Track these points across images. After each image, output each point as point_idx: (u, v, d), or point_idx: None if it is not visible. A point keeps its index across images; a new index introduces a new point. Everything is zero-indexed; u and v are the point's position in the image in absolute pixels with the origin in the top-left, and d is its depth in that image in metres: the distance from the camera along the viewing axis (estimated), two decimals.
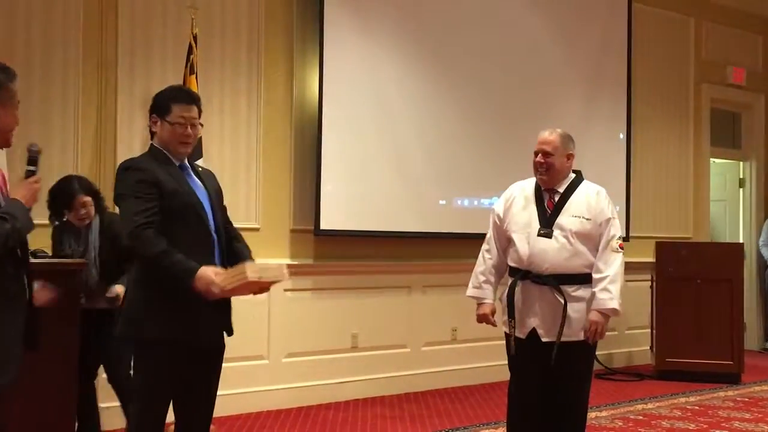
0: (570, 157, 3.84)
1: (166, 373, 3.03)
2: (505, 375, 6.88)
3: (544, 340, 3.72)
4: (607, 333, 7.76)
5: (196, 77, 5.09)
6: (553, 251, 3.69)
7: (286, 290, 5.87)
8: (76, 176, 4.55)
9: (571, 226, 3.70)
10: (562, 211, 3.74)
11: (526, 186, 3.95)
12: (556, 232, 3.70)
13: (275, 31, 5.93)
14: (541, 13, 7.31)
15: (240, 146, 5.72)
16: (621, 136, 7.94)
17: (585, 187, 3.85)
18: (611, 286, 3.62)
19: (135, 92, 5.27)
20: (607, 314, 3.65)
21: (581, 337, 3.68)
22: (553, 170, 3.78)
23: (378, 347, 6.13)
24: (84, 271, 4.28)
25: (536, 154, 3.84)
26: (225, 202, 3.40)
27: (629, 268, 7.76)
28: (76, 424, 4.31)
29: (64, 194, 4.38)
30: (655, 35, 8.43)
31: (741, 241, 9.09)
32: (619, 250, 3.67)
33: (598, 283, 3.65)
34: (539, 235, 3.72)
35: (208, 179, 3.32)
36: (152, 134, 3.25)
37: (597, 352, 7.47)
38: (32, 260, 4.04)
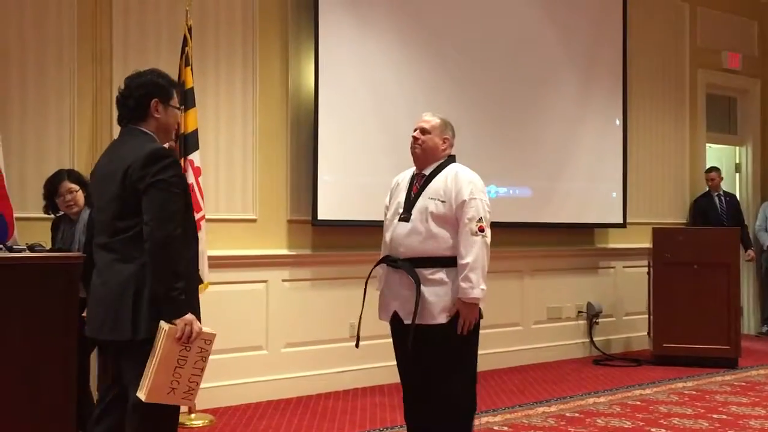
0: (446, 141, 3.83)
1: None
2: (504, 362, 6.96)
3: (405, 322, 3.68)
4: (604, 319, 7.90)
5: (191, 69, 5.09)
6: (407, 234, 3.67)
7: (284, 281, 5.89)
8: (67, 169, 4.65)
9: (426, 208, 3.65)
10: (424, 191, 3.71)
11: (407, 174, 3.93)
12: (413, 215, 3.67)
13: (270, 22, 5.92)
14: (536, 0, 7.30)
15: (236, 137, 5.72)
16: (617, 122, 7.95)
17: (449, 169, 3.77)
18: (471, 274, 3.53)
19: None
20: (470, 303, 3.58)
21: (441, 320, 3.60)
22: (426, 147, 3.78)
23: (377, 336, 6.10)
24: None
25: (414, 130, 3.84)
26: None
27: (627, 254, 7.96)
28: None
29: (50, 183, 4.54)
30: (650, 21, 8.43)
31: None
32: (479, 233, 3.56)
33: (460, 271, 3.57)
34: (399, 219, 3.72)
35: None
36: (139, 119, 3.13)
37: (595, 338, 7.64)
38: (30, 254, 4.09)
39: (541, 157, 7.35)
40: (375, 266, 3.91)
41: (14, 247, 4.22)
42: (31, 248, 4.23)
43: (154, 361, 2.91)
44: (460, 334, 3.61)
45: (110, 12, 5.21)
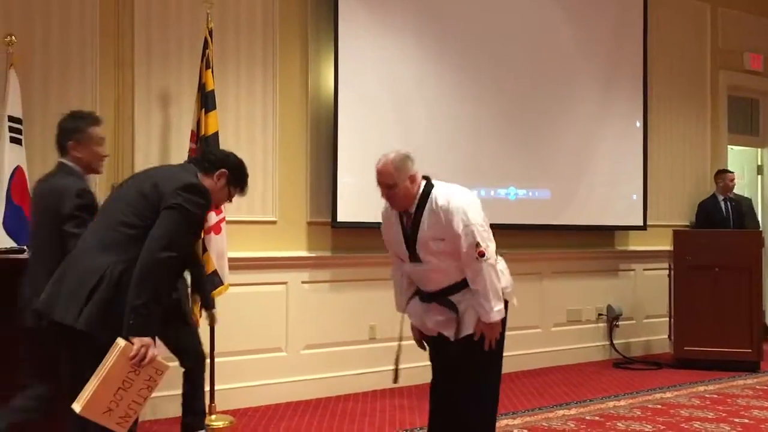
0: (413, 178, 3.66)
1: None
2: (523, 364, 6.93)
3: (451, 339, 3.73)
4: (625, 322, 7.84)
5: (212, 72, 5.11)
6: (426, 273, 3.71)
7: (303, 282, 5.91)
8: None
9: (431, 250, 3.64)
10: (418, 234, 3.66)
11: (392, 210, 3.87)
12: (422, 256, 3.67)
13: (290, 24, 5.94)
14: (556, 1, 7.28)
15: (256, 140, 5.75)
16: (637, 124, 7.91)
17: (432, 200, 3.66)
18: (484, 300, 3.58)
19: (152, 89, 5.30)
20: (493, 323, 3.64)
21: (475, 329, 3.68)
22: (399, 198, 3.67)
23: (396, 339, 6.13)
24: None
25: (379, 186, 3.70)
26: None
27: (647, 256, 7.92)
28: None
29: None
30: (671, 22, 8.38)
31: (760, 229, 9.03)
32: (479, 258, 3.55)
33: (474, 295, 3.63)
34: (411, 262, 3.73)
35: None
36: (204, 170, 3.26)
37: (615, 341, 7.61)
38: None
39: (561, 159, 7.33)
40: (411, 298, 3.87)
41: None
42: None
43: (99, 374, 2.83)
44: (488, 349, 3.69)
45: (132, 16, 5.25)
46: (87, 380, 2.86)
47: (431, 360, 3.99)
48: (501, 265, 3.79)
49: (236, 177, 3.34)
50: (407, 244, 3.71)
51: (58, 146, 3.89)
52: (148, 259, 2.91)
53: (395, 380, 4.03)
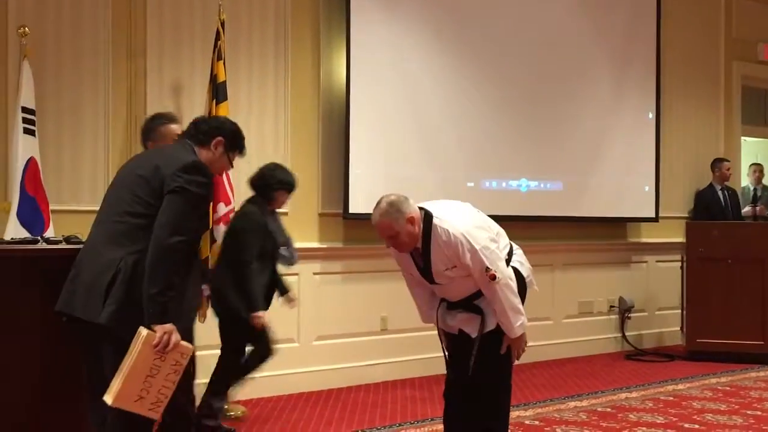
0: (412, 220, 3.57)
1: None
2: (535, 356, 6.92)
3: (473, 336, 3.73)
4: (637, 314, 7.82)
5: (224, 63, 5.11)
6: (448, 292, 3.74)
7: (315, 274, 5.92)
8: None
9: (447, 276, 3.65)
10: (431, 267, 3.64)
11: None
12: (438, 280, 3.68)
13: (302, 16, 5.94)
14: None
15: (267, 130, 5.75)
16: (650, 115, 7.88)
17: (435, 237, 3.59)
18: (504, 319, 3.61)
19: (164, 79, 5.31)
20: (516, 339, 3.68)
21: (493, 326, 3.69)
22: (406, 243, 3.60)
23: (407, 330, 6.14)
24: None
25: (384, 239, 3.62)
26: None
27: (659, 248, 7.90)
28: None
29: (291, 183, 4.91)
30: (684, 12, 8.32)
31: None
32: (492, 280, 3.54)
33: (495, 313, 3.64)
34: (430, 284, 3.74)
35: None
36: (199, 143, 3.22)
37: (627, 333, 7.60)
38: (65, 246, 4.14)
39: (573, 151, 7.30)
40: (438, 308, 3.86)
41: (51, 239, 4.29)
42: (67, 240, 4.30)
43: (126, 365, 2.85)
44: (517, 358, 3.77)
45: (144, 6, 5.26)
46: (109, 376, 2.89)
47: (448, 353, 3.98)
48: (518, 254, 3.82)
49: (233, 142, 3.28)
50: (422, 274, 3.71)
51: (143, 148, 4.09)
52: (158, 247, 2.90)
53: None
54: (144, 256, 2.93)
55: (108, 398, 2.85)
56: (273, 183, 4.80)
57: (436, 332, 3.93)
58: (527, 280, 3.81)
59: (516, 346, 3.71)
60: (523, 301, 3.74)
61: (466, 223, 3.64)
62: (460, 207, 3.78)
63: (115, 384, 2.85)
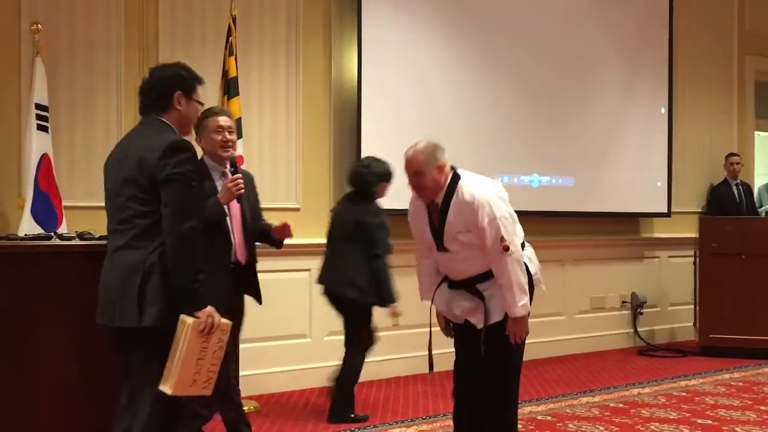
0: (441, 167, 3.64)
1: None
2: (546, 351, 6.92)
3: (479, 327, 3.72)
4: (649, 309, 7.78)
5: (236, 59, 5.13)
6: (454, 263, 3.71)
7: None
8: None
9: (457, 242, 3.64)
10: (445, 227, 3.65)
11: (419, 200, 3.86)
12: (449, 246, 3.67)
13: (313, 11, 5.94)
14: None
15: (279, 127, 5.76)
16: (662, 110, 7.85)
17: (458, 192, 3.64)
18: (508, 294, 3.57)
19: None
20: (519, 318, 3.63)
21: (498, 318, 3.67)
22: (428, 189, 3.66)
23: (419, 325, 6.10)
24: None
25: (407, 174, 3.69)
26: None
27: (672, 243, 7.86)
28: None
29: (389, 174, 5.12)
30: (697, 6, 8.29)
31: None
32: (504, 252, 3.54)
33: (500, 289, 3.62)
34: (439, 251, 3.73)
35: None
36: (161, 109, 3.14)
37: (639, 329, 7.57)
38: (78, 242, 4.17)
39: (585, 146, 7.29)
40: (439, 285, 3.87)
41: (64, 235, 4.31)
42: (80, 236, 4.32)
43: (178, 355, 2.92)
44: (514, 342, 3.69)
45: (156, 2, 5.28)
46: (158, 372, 2.94)
47: (456, 347, 3.99)
48: (529, 251, 3.79)
49: (189, 85, 3.15)
50: (434, 234, 3.71)
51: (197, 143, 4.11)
52: (173, 237, 2.90)
53: (431, 370, 4.02)
54: (164, 249, 2.93)
55: (166, 388, 2.92)
56: (372, 179, 5.00)
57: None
58: (535, 278, 3.78)
59: (516, 329, 3.63)
60: (530, 300, 3.72)
61: (492, 193, 3.65)
62: (491, 181, 3.79)
63: (172, 374, 2.93)
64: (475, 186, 3.65)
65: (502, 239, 3.54)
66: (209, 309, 2.95)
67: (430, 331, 3.95)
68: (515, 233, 3.64)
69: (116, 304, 2.99)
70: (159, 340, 2.95)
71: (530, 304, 3.70)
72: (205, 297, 2.95)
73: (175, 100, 3.11)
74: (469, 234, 3.60)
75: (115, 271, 3.03)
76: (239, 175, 3.91)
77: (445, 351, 4.12)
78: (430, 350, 4.00)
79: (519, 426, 4.70)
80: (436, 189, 3.66)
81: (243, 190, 3.90)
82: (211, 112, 4.10)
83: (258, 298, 4.19)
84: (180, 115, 3.13)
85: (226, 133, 4.01)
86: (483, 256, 3.63)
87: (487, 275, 3.67)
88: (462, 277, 3.73)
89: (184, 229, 2.90)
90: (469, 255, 3.65)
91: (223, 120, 4.04)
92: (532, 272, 3.75)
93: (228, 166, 3.95)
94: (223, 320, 3.04)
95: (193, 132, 4.03)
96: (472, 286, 3.70)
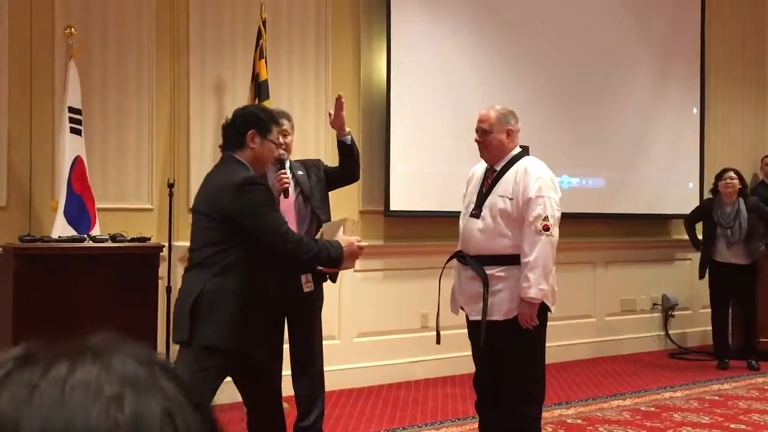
0: (510, 132, 3.72)
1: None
2: (576, 354, 6.87)
3: (471, 318, 3.73)
4: (681, 312, 7.68)
5: (266, 62, 5.15)
6: (476, 231, 3.67)
7: (356, 271, 5.90)
8: None
9: (496, 205, 3.62)
10: (493, 190, 3.67)
11: (482, 166, 3.89)
12: (484, 212, 3.65)
13: (342, 13, 5.95)
14: None
15: (309, 128, 5.77)
16: (694, 110, 7.77)
17: (520, 164, 3.68)
18: (530, 273, 3.49)
19: (207, 78, 5.36)
20: (529, 302, 3.53)
21: (506, 316, 3.60)
22: (491, 147, 3.70)
23: (448, 327, 6.11)
24: None
25: (476, 131, 3.77)
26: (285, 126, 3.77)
27: None
28: None
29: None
30: (729, 4, 8.19)
31: None
32: (543, 232, 3.49)
33: (522, 269, 3.53)
34: (470, 215, 3.71)
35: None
36: (237, 146, 3.26)
37: (670, 331, 7.48)
38: (111, 244, 4.22)
39: (616, 147, 7.23)
40: (449, 260, 3.91)
41: (97, 237, 4.36)
42: (113, 238, 4.37)
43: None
44: (525, 329, 3.60)
45: (187, 6, 5.31)
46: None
47: (474, 361, 3.97)
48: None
49: (263, 124, 3.26)
50: (479, 196, 3.71)
51: None
52: (286, 257, 3.26)
53: (438, 341, 4.04)
54: (221, 277, 3.08)
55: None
56: None
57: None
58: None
59: (523, 313, 3.54)
60: (545, 326, 3.68)
61: (554, 180, 3.69)
62: (557, 179, 3.82)
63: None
64: (539, 164, 3.71)
65: (546, 218, 3.51)
66: (345, 249, 3.31)
67: (439, 299, 3.99)
68: (557, 224, 3.60)
69: (176, 320, 3.19)
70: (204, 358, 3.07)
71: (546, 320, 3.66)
72: (335, 251, 3.26)
73: (249, 139, 3.23)
74: (510, 201, 3.58)
75: (181, 290, 3.22)
76: (283, 171, 3.94)
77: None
78: (438, 323, 4.03)
79: (549, 430, 4.69)
80: (500, 152, 3.70)
81: (287, 184, 3.94)
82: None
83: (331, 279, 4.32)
84: (254, 153, 3.25)
85: (280, 138, 4.04)
86: (506, 233, 3.58)
87: (498, 260, 3.61)
88: (475, 252, 3.68)
89: (288, 250, 3.18)
90: (495, 227, 3.61)
91: (285, 125, 4.07)
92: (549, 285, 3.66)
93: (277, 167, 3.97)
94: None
95: None
96: (480, 266, 3.64)
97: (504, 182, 3.66)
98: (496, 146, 3.69)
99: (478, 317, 3.65)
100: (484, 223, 3.65)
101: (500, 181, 3.67)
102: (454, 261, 3.88)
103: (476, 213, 3.68)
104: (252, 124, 3.24)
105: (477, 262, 3.66)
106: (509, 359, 3.68)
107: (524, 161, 3.71)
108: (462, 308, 3.85)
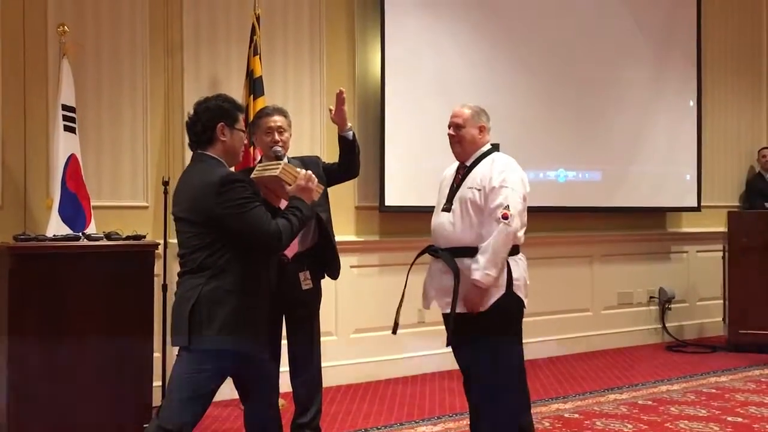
0: (482, 129, 3.85)
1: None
2: (573, 347, 6.88)
3: (442, 312, 3.78)
4: (678, 305, 7.70)
5: (260, 58, 5.14)
6: (448, 224, 3.74)
7: (352, 267, 5.93)
8: None
9: (465, 197, 3.70)
10: (463, 183, 3.76)
11: (453, 167, 3.96)
12: (454, 205, 3.73)
13: (337, 10, 5.94)
14: None
15: (303, 125, 5.76)
16: (691, 103, 7.76)
17: (489, 158, 3.80)
18: (481, 256, 3.56)
19: (201, 75, 5.35)
20: (476, 285, 3.58)
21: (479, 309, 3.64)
22: (464, 142, 3.81)
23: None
24: None
25: (449, 127, 3.86)
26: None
27: (700, 238, 7.78)
28: None
29: None
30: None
31: None
32: (501, 220, 3.55)
33: (480, 251, 3.60)
34: (442, 210, 3.79)
35: None
36: (207, 143, 3.20)
37: (667, 324, 7.49)
38: (106, 242, 4.21)
39: (612, 140, 7.23)
40: (419, 255, 3.95)
41: (92, 235, 4.36)
42: (108, 236, 4.36)
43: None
44: (495, 324, 3.64)
45: (180, 3, 5.30)
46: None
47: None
48: (522, 263, 3.78)
49: (231, 115, 3.19)
50: (451, 191, 3.80)
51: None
52: (280, 249, 3.25)
53: (394, 332, 4.09)
54: (217, 279, 3.04)
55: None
56: None
57: None
58: (515, 283, 3.69)
59: (472, 296, 3.59)
60: (519, 319, 3.72)
61: (519, 171, 3.77)
62: (524, 174, 3.86)
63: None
64: (508, 159, 3.81)
65: (506, 207, 3.58)
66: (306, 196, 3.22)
67: (403, 293, 4.04)
68: (519, 217, 3.65)
69: (174, 325, 3.13)
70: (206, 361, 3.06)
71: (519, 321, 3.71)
72: (307, 211, 3.19)
73: (219, 132, 3.17)
74: (479, 192, 3.66)
75: (177, 295, 3.17)
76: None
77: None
78: (398, 313, 4.07)
79: (546, 424, 4.70)
80: (471, 147, 3.81)
81: (280, 148, 3.95)
82: (263, 113, 4.15)
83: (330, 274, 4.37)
84: (225, 146, 3.19)
85: (276, 134, 4.04)
86: (476, 224, 3.64)
87: (467, 252, 3.65)
88: (446, 245, 3.74)
89: (281, 244, 3.09)
90: (465, 219, 3.67)
91: (273, 120, 4.06)
92: (515, 276, 3.69)
93: None
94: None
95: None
96: (451, 258, 3.68)
97: (473, 175, 3.75)
98: (468, 141, 3.81)
99: (448, 310, 3.68)
100: (454, 216, 3.73)
101: (470, 175, 3.77)
102: (427, 255, 3.93)
103: (447, 207, 3.78)
104: (219, 116, 3.16)
105: (449, 254, 3.72)
106: (477, 368, 3.76)
107: (493, 155, 3.83)
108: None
